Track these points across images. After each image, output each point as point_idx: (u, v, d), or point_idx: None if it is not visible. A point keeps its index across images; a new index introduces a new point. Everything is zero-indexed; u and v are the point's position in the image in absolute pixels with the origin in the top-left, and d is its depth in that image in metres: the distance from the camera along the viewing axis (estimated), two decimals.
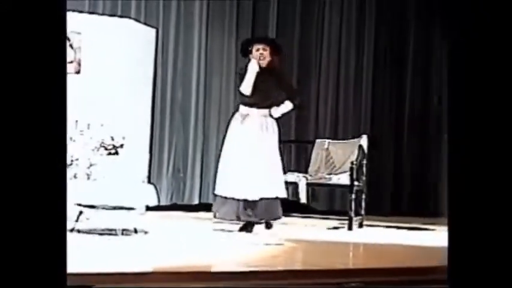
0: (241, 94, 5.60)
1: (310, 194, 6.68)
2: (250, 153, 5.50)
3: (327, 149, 6.86)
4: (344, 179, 6.32)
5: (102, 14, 6.83)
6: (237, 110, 5.75)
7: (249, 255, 4.39)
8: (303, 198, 6.43)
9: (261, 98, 5.58)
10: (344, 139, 7.17)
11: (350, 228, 6.13)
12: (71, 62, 6.29)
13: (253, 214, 5.49)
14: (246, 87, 5.53)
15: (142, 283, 3.38)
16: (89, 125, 6.14)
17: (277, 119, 5.69)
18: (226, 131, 5.75)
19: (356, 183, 6.27)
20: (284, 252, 4.64)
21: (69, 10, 6.44)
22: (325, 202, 7.88)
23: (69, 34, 6.25)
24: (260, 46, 5.60)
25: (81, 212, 5.35)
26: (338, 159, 6.75)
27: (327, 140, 6.99)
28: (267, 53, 5.59)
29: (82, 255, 4.16)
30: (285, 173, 5.90)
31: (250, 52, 5.63)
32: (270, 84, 5.59)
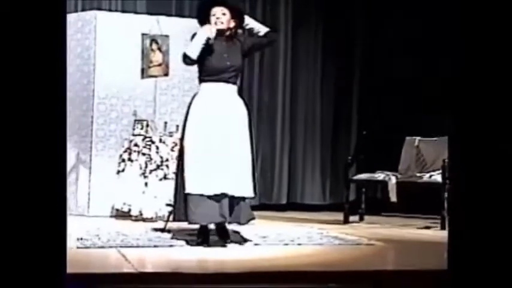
0: (186, 59, 4.58)
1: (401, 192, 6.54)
2: (215, 141, 4.51)
3: (417, 146, 6.71)
4: (436, 178, 6.16)
5: (189, 16, 6.91)
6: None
7: (340, 256, 4.34)
8: (393, 197, 6.31)
9: (230, 71, 4.59)
10: (435, 136, 6.99)
11: (443, 227, 5.96)
12: (160, 64, 6.41)
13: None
14: (193, 50, 4.54)
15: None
16: (177, 126, 6.23)
17: (245, 100, 4.76)
18: (186, 115, 4.65)
19: (449, 181, 6.10)
20: (375, 253, 4.56)
21: (157, 14, 6.64)
22: (416, 201, 7.71)
23: (157, 38, 6.39)
24: (218, 9, 4.62)
25: (171, 212, 5.43)
26: (429, 157, 6.58)
27: (417, 138, 6.83)
28: (225, 18, 4.63)
29: (175, 252, 4.22)
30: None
31: (208, 20, 4.64)
32: (233, 53, 4.63)
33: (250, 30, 4.76)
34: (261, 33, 4.73)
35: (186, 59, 4.58)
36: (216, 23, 4.59)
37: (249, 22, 4.73)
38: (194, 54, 4.53)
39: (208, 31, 4.54)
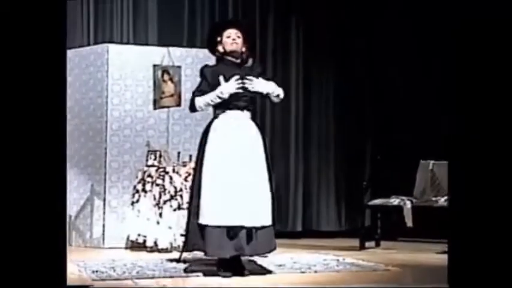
0: (193, 106, 4.59)
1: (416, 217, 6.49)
2: (236, 168, 4.48)
3: (432, 170, 6.68)
4: None
5: (200, 47, 6.96)
6: (215, 116, 4.65)
7: (357, 283, 4.30)
8: (409, 222, 6.27)
9: (244, 99, 4.57)
10: None
11: None
12: (172, 95, 6.44)
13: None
14: (203, 106, 4.56)
15: None
16: (190, 156, 6.24)
17: (259, 127, 4.72)
18: (203, 144, 4.60)
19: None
20: (393, 279, 4.52)
21: (168, 45, 6.68)
22: (433, 225, 7.64)
23: (169, 68, 6.42)
24: (233, 31, 4.58)
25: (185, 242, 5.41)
26: (444, 180, 6.53)
27: (431, 161, 6.79)
28: (240, 41, 4.57)
29: (191, 282, 4.20)
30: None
31: (219, 42, 4.60)
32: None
33: (268, 94, 4.65)
34: (276, 100, 4.71)
35: (193, 107, 4.59)
36: (232, 45, 4.55)
37: (269, 89, 4.62)
38: (202, 108, 4.59)
39: (227, 89, 4.47)
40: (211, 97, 4.52)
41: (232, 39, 4.56)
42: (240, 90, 4.52)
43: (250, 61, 4.72)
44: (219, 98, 4.49)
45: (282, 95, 4.70)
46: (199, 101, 4.56)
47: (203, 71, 4.63)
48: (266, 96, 4.71)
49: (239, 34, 4.59)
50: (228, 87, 4.49)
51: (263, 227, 4.48)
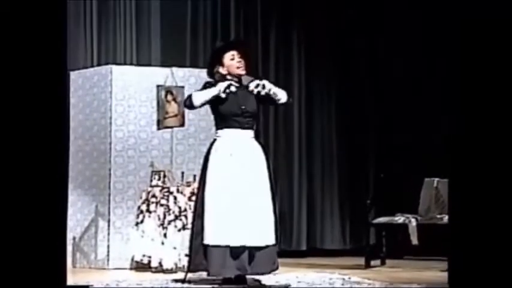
0: (188, 101, 4.64)
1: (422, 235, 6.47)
2: (235, 190, 4.50)
3: (436, 187, 6.66)
4: None
5: (203, 67, 6.98)
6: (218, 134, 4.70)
7: None
8: (414, 240, 6.25)
9: (246, 116, 4.61)
10: None
11: None
12: (175, 115, 6.45)
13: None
14: (199, 99, 4.58)
15: None
16: (195, 176, 6.24)
17: (262, 145, 4.77)
18: (205, 164, 4.64)
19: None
20: None
21: (171, 65, 6.70)
22: (438, 243, 7.61)
23: (172, 89, 6.44)
24: (235, 53, 4.64)
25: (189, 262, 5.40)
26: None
27: (436, 179, 6.78)
28: (243, 62, 4.65)
29: None
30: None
31: (222, 64, 4.67)
32: (246, 98, 4.62)
33: (271, 97, 4.67)
34: (282, 101, 4.71)
35: (187, 102, 4.64)
36: (239, 69, 4.61)
37: (271, 88, 4.65)
38: (199, 103, 4.59)
39: (220, 87, 4.54)
40: (211, 91, 4.56)
41: (238, 62, 4.62)
42: (242, 72, 4.61)
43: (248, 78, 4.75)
44: (224, 89, 4.52)
45: (283, 95, 4.70)
46: (198, 94, 4.62)
47: (205, 85, 4.69)
48: (270, 100, 4.72)
49: (240, 55, 4.65)
50: (223, 85, 4.56)
51: (266, 247, 4.49)
